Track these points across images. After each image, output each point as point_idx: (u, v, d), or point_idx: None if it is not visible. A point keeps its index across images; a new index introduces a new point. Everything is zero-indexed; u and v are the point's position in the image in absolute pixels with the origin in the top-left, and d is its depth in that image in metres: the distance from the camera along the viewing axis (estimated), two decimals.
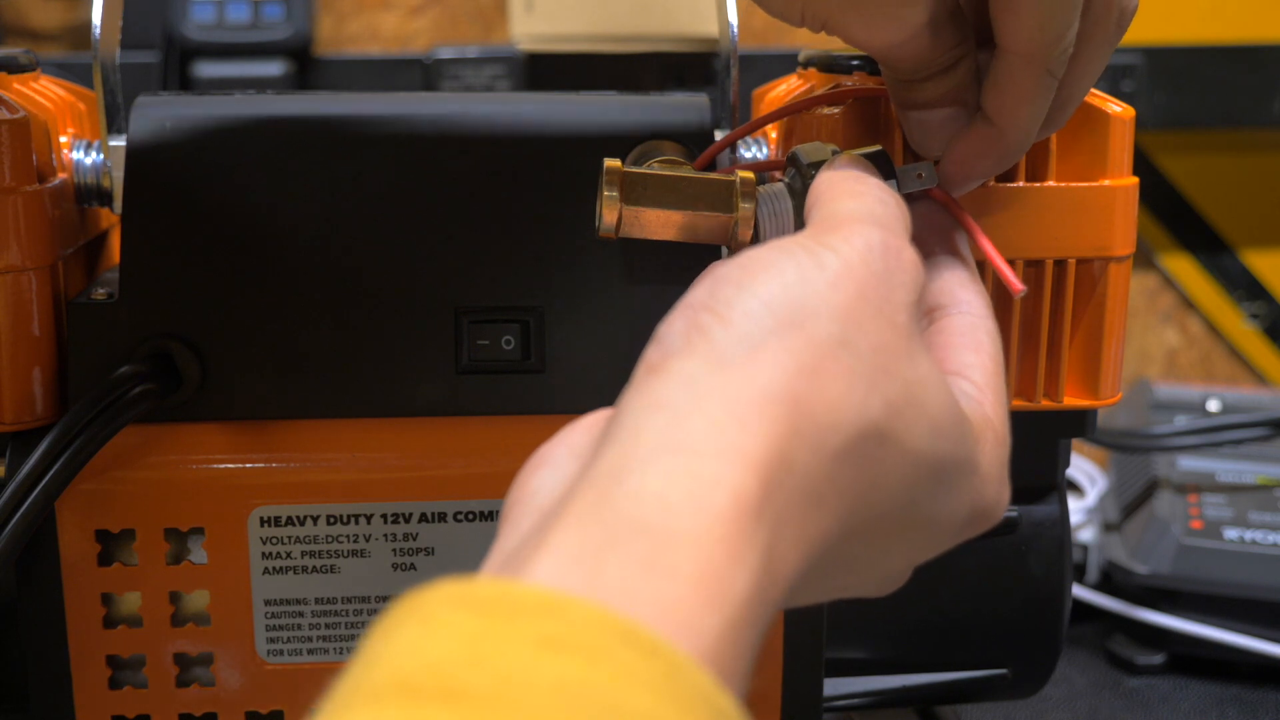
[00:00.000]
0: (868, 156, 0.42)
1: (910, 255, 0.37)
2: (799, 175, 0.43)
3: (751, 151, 0.54)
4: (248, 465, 0.49)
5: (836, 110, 0.50)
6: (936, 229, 0.44)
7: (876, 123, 0.50)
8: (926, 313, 0.41)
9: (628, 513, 0.30)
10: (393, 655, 0.27)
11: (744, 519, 0.30)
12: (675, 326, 0.34)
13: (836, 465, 0.33)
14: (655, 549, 0.29)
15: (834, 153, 0.43)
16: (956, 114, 0.44)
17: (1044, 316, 0.51)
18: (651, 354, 0.34)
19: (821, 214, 0.39)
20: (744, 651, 0.30)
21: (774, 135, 0.55)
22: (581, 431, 0.36)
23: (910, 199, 0.43)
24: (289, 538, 0.50)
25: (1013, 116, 0.42)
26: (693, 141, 0.51)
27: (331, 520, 0.50)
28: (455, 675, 0.26)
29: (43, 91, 0.53)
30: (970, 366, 0.39)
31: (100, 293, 0.50)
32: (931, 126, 0.44)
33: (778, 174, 0.54)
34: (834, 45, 0.50)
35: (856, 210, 0.38)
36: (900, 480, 0.35)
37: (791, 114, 0.46)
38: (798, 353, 0.33)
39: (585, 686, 0.26)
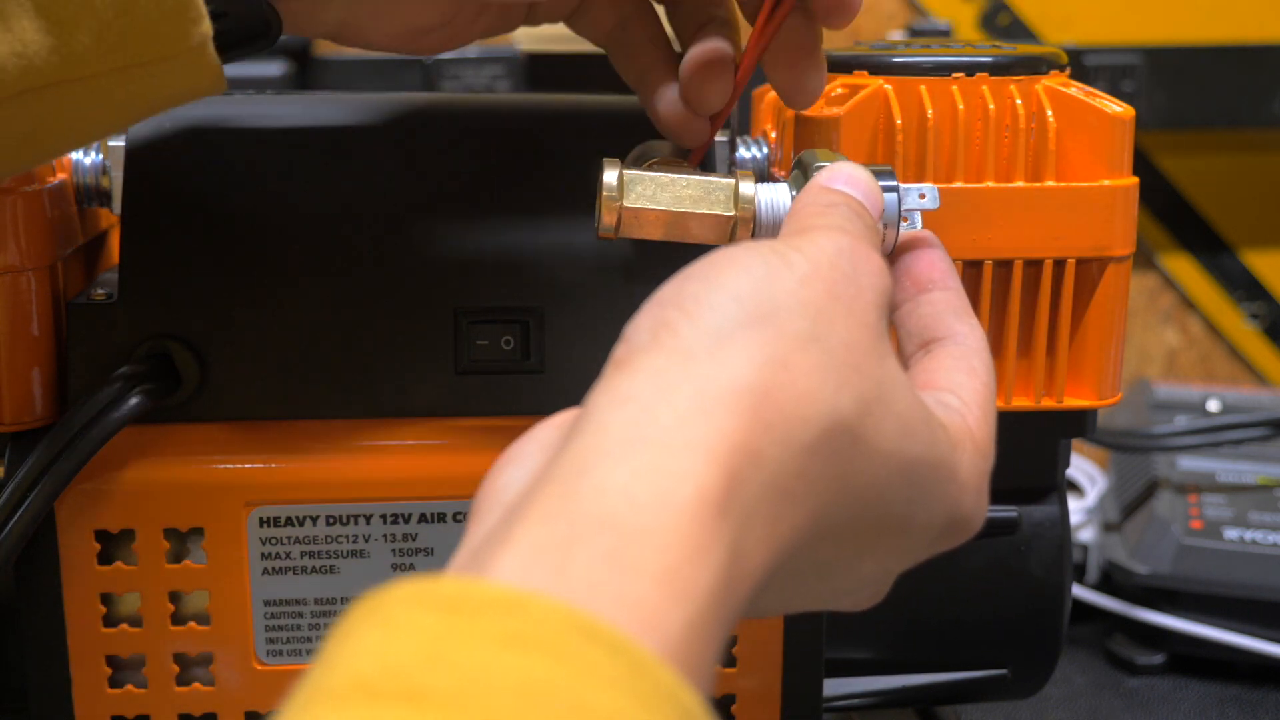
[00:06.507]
0: (872, 172, 0.43)
1: (879, 261, 0.37)
2: (802, 176, 0.43)
3: (751, 152, 0.54)
4: (247, 465, 0.49)
5: (838, 110, 0.50)
6: (931, 263, 0.44)
7: (877, 124, 0.50)
8: (923, 344, 0.41)
9: (592, 507, 0.30)
10: (353, 656, 0.27)
11: (709, 513, 0.30)
12: (642, 324, 0.34)
13: (806, 460, 0.33)
14: (619, 544, 0.29)
15: (839, 159, 0.43)
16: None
17: (1044, 316, 0.51)
18: (619, 351, 0.34)
19: (791, 226, 0.39)
20: (709, 647, 0.30)
21: (773, 135, 0.55)
22: (552, 428, 0.36)
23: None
24: (288, 538, 0.50)
25: None
26: None
27: (331, 520, 0.50)
28: (416, 676, 0.26)
29: None
30: (960, 386, 0.39)
31: (99, 293, 0.50)
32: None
33: (778, 172, 0.54)
34: (834, 44, 0.50)
35: (825, 221, 0.38)
36: (871, 479, 0.34)
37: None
38: (767, 345, 0.33)
39: (549, 685, 0.26)
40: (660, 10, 0.49)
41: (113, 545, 0.50)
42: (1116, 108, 0.50)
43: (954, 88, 0.50)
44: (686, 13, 0.48)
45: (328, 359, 0.50)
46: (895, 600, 0.40)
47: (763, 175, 0.54)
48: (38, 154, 0.42)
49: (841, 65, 0.52)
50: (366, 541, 0.50)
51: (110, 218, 0.57)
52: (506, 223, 0.50)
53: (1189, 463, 0.90)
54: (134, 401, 0.47)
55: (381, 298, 0.50)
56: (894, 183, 0.43)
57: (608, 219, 0.43)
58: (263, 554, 0.50)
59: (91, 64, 0.39)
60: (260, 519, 0.49)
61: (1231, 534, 0.81)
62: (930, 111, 0.49)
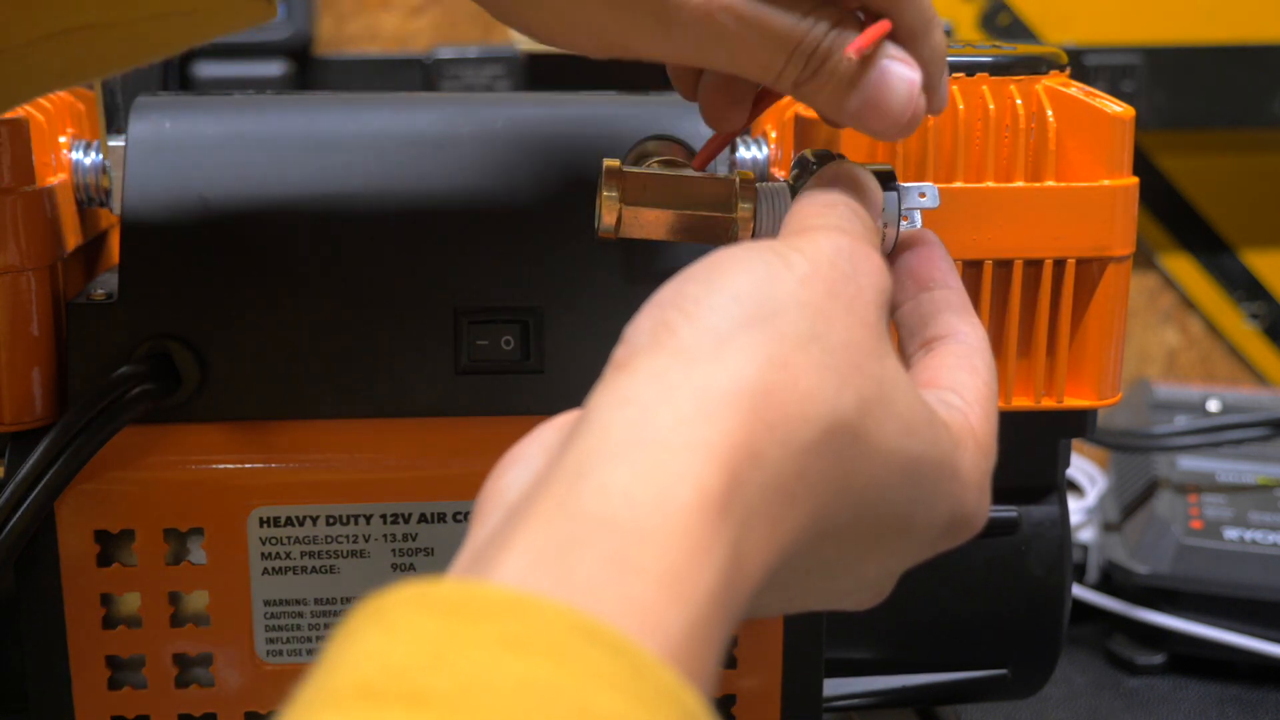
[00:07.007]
0: (872, 171, 0.42)
1: (878, 260, 0.37)
2: (803, 176, 0.43)
3: (751, 152, 0.54)
4: (247, 465, 0.49)
5: None
6: (932, 261, 0.44)
7: None
8: (925, 343, 0.41)
9: (593, 508, 0.30)
10: (354, 659, 0.27)
11: (710, 514, 0.30)
12: (642, 325, 0.34)
13: (807, 460, 0.33)
14: (620, 546, 0.29)
15: (839, 159, 0.43)
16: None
17: (1044, 316, 0.51)
18: (619, 353, 0.34)
19: (790, 227, 0.39)
20: (711, 648, 0.30)
21: (773, 135, 0.55)
22: (554, 429, 0.36)
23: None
24: (288, 538, 0.50)
25: None
26: (692, 142, 0.51)
27: (331, 521, 0.50)
28: (417, 678, 0.26)
29: None
30: (962, 385, 0.39)
31: (99, 293, 0.50)
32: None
33: (778, 172, 0.54)
34: None
35: (824, 221, 0.38)
36: (872, 478, 0.34)
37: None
38: (767, 345, 0.33)
39: (550, 687, 0.26)
40: None
41: (113, 545, 0.50)
42: (1116, 108, 0.50)
43: (954, 88, 0.50)
44: None
45: (328, 359, 0.50)
46: (895, 600, 0.40)
47: (763, 175, 0.54)
48: (79, 78, 0.42)
49: None
50: (366, 541, 0.50)
51: (110, 218, 0.57)
52: (506, 223, 0.50)
53: (1189, 463, 0.90)
54: (134, 402, 0.47)
55: (381, 298, 0.50)
56: (894, 182, 0.43)
57: (608, 219, 0.43)
58: (263, 554, 0.50)
59: (140, 8, 0.39)
60: (260, 519, 0.49)
61: (1231, 534, 0.81)
62: None
